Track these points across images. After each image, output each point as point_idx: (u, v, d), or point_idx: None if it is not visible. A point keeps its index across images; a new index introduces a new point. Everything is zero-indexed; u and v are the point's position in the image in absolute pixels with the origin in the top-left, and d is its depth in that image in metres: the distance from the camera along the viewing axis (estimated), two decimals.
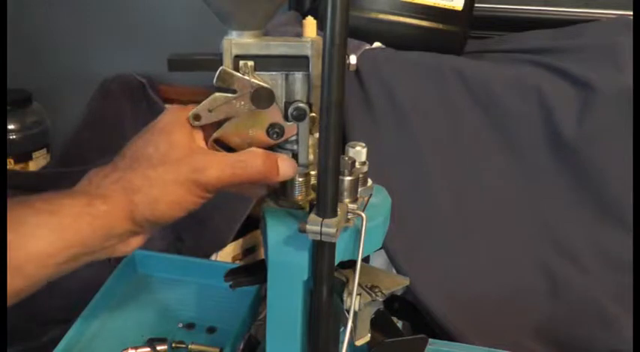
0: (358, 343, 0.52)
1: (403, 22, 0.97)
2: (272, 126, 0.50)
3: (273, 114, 0.50)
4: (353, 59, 0.49)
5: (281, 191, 0.53)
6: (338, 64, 0.42)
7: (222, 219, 0.99)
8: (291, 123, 0.50)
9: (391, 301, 0.61)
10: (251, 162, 0.49)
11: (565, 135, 0.88)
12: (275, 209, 0.53)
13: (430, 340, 0.56)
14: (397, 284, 0.54)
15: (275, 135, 0.50)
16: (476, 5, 1.00)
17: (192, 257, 0.83)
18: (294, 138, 0.51)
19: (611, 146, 0.87)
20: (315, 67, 0.49)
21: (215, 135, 0.50)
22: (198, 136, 0.50)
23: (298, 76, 0.50)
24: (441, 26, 0.97)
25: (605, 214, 0.89)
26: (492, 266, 0.90)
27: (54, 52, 1.44)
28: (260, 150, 0.50)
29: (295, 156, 0.52)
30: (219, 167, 0.48)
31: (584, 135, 0.87)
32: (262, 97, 0.49)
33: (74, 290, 0.92)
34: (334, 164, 0.45)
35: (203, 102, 0.49)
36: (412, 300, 0.86)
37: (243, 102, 0.49)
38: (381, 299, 0.52)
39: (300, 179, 0.52)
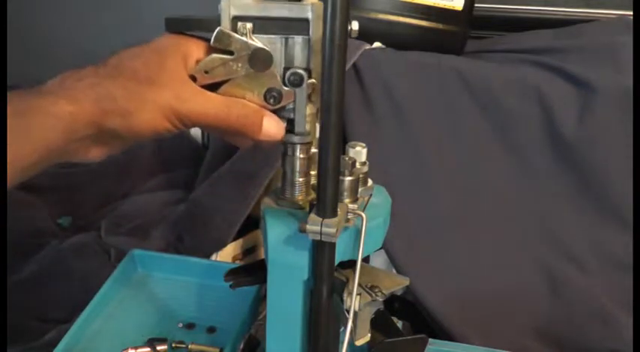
0: (358, 343, 0.52)
1: (403, 22, 0.97)
2: (269, 90, 0.49)
3: (271, 79, 0.49)
4: (355, 25, 0.48)
5: (281, 191, 0.53)
6: (338, 64, 0.42)
7: (222, 219, 0.99)
8: (289, 88, 0.49)
9: (391, 301, 0.61)
10: (236, 111, 0.48)
11: (565, 135, 0.88)
12: (275, 209, 0.53)
13: (430, 340, 0.56)
14: (397, 284, 0.53)
15: (272, 100, 0.49)
16: (476, 5, 1.00)
17: (192, 257, 0.83)
18: (292, 105, 0.50)
19: (611, 146, 0.87)
20: (316, 31, 0.48)
21: None
22: (190, 67, 0.49)
23: (298, 40, 0.48)
24: (441, 26, 0.97)
25: (606, 214, 0.89)
26: (492, 266, 0.90)
27: (54, 51, 1.44)
28: (250, 103, 0.49)
29: (292, 123, 0.51)
30: (203, 104, 0.47)
31: (584, 135, 0.87)
32: (260, 59, 0.48)
33: (74, 290, 0.92)
34: (334, 164, 0.45)
35: (200, 64, 0.48)
36: (412, 300, 0.86)
37: (240, 65, 0.48)
38: (381, 299, 0.52)
39: (301, 179, 0.52)
